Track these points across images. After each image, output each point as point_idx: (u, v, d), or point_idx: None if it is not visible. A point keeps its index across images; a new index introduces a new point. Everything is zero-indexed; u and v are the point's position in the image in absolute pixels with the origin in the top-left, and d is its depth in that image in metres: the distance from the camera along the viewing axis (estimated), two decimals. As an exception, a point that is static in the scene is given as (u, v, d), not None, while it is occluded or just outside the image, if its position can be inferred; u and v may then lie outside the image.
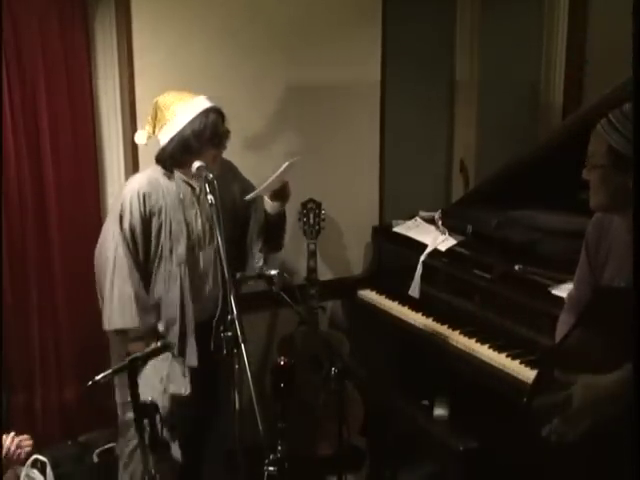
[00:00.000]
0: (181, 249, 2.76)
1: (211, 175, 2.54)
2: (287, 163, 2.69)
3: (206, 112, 2.69)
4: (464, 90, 4.01)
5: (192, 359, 2.78)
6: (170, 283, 2.77)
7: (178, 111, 2.68)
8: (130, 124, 3.08)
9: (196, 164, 2.65)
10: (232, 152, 3.00)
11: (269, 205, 2.86)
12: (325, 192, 3.45)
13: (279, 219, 2.92)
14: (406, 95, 3.80)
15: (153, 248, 2.77)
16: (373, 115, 3.66)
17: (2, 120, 2.82)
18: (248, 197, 2.80)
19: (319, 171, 3.54)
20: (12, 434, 2.36)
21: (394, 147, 3.78)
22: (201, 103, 2.71)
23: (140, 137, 2.80)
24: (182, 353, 2.78)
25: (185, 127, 2.66)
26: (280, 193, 2.83)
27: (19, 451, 2.35)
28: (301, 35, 3.40)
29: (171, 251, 2.76)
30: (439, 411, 2.95)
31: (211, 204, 2.46)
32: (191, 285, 2.78)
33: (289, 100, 3.43)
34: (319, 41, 3.44)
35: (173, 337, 2.78)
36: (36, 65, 2.90)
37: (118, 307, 2.72)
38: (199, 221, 2.81)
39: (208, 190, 2.48)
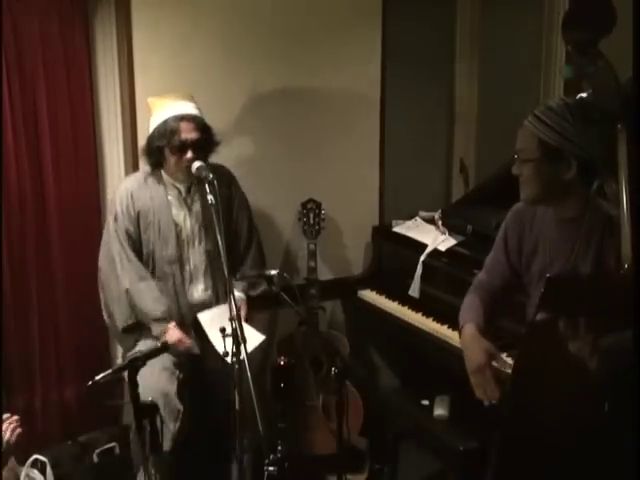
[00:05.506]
0: (171, 249, 2.81)
1: (211, 175, 2.55)
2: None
3: (173, 118, 2.70)
4: (464, 90, 4.01)
5: (194, 348, 2.83)
6: (164, 282, 2.82)
7: (154, 113, 2.77)
8: (130, 124, 3.08)
9: (196, 164, 2.68)
10: (231, 153, 3.00)
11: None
12: (325, 192, 3.45)
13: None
14: (406, 95, 3.80)
15: (144, 247, 2.82)
16: (373, 115, 3.66)
17: (2, 120, 2.82)
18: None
19: (319, 171, 3.55)
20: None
21: (394, 147, 3.78)
22: (173, 109, 2.73)
23: None
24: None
25: (154, 130, 2.74)
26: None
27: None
28: (301, 36, 3.40)
29: (162, 251, 2.81)
30: (439, 411, 2.94)
31: (211, 204, 2.47)
32: (182, 283, 2.83)
33: (289, 100, 3.43)
34: (319, 42, 3.44)
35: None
36: (36, 65, 2.90)
37: (118, 304, 2.81)
38: (188, 222, 2.84)
39: (208, 190, 2.50)
